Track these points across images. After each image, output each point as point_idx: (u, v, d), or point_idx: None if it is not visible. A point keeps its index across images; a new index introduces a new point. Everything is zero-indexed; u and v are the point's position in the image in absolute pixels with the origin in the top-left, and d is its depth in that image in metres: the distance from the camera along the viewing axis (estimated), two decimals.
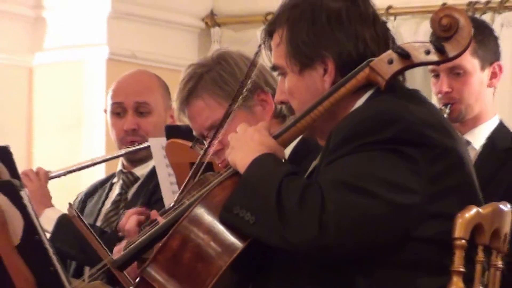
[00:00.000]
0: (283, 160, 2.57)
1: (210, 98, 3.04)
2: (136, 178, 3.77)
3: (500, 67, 3.58)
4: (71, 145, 4.35)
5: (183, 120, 3.12)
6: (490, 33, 3.61)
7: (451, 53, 2.42)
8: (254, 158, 2.44)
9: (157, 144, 3.34)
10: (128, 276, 2.77)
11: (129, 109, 3.75)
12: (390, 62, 2.42)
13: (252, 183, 2.44)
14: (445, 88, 3.50)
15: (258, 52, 2.77)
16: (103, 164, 4.20)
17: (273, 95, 2.77)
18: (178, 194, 2.83)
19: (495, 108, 3.61)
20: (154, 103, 3.78)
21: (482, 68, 3.49)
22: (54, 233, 3.62)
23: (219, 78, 3.04)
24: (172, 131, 3.34)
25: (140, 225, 2.98)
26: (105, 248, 2.83)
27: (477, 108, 3.51)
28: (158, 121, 3.78)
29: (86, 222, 2.95)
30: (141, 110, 3.76)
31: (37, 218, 2.89)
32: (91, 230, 2.94)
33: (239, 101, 2.90)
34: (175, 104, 3.12)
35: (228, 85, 3.02)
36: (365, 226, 2.34)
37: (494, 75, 3.53)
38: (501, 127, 3.58)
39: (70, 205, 3.01)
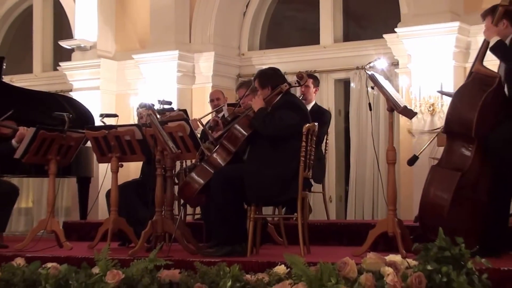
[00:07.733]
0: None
1: (245, 90, 7.64)
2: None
3: (318, 88, 8.40)
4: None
5: (236, 95, 7.90)
6: (316, 78, 8.37)
7: (302, 83, 7.04)
8: (258, 108, 6.78)
9: (225, 106, 8.13)
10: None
11: (214, 99, 8.74)
12: (286, 86, 6.94)
13: (259, 115, 6.70)
14: (303, 92, 8.27)
15: (253, 83, 7.24)
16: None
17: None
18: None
19: (314, 98, 8.43)
20: (221, 98, 8.83)
21: (314, 87, 8.32)
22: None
23: (250, 85, 7.50)
24: (229, 104, 8.29)
25: (215, 120, 7.52)
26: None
27: (309, 98, 8.29)
28: (222, 102, 8.70)
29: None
30: (217, 99, 8.79)
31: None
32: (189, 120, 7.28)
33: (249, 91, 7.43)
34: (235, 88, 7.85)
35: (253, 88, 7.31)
36: (285, 129, 6.66)
37: (316, 90, 8.30)
38: (316, 104, 8.43)
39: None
